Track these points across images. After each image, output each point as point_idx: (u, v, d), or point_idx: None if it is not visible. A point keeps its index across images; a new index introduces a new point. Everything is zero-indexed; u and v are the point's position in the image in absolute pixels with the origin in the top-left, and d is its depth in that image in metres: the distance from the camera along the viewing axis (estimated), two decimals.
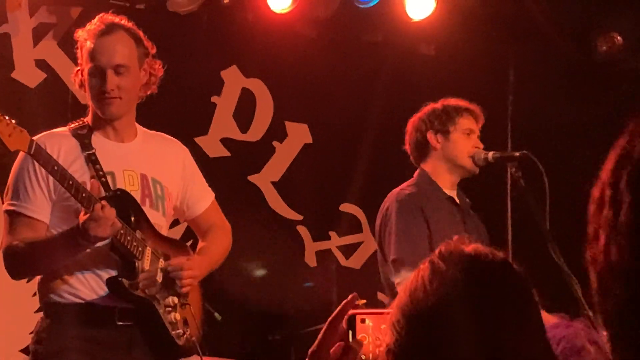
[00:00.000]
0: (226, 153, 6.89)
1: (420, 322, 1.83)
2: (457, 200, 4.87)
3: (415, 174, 4.93)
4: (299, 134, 7.14)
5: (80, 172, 3.82)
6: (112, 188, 3.87)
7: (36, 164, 3.79)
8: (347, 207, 7.26)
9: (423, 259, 4.66)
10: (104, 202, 3.62)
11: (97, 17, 4.03)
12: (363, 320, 2.09)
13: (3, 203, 4.02)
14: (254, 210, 6.94)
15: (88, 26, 4.02)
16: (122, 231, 3.74)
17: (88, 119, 4.04)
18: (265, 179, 7.04)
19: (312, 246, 7.15)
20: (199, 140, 6.75)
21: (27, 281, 5.92)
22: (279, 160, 7.08)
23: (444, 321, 1.80)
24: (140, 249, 3.81)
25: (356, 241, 7.29)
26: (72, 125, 4.03)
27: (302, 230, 7.11)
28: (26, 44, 6.23)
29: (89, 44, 3.95)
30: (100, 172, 3.87)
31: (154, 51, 4.10)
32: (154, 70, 4.07)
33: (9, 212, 3.88)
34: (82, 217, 3.61)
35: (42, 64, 6.27)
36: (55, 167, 3.61)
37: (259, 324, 6.80)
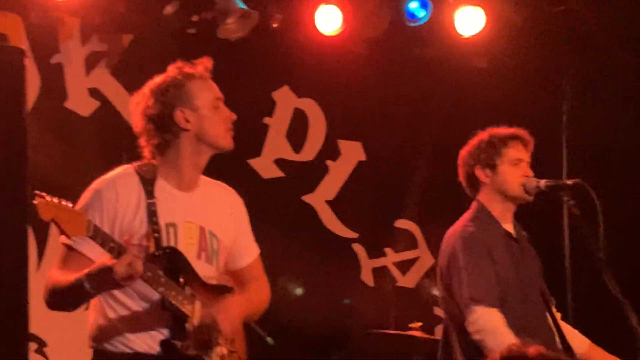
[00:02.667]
0: (280, 174, 6.89)
1: None
2: (515, 234, 4.79)
3: (473, 206, 4.84)
4: (352, 152, 7.13)
5: (138, 225, 3.87)
6: (167, 242, 3.88)
7: (103, 202, 3.86)
8: (402, 223, 7.24)
9: (495, 297, 4.57)
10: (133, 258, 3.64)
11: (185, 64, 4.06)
12: None
13: None
14: (309, 230, 6.96)
15: (187, 68, 4.04)
16: (172, 292, 3.76)
17: (155, 162, 4.03)
18: (319, 199, 7.03)
19: (369, 264, 7.14)
20: (252, 162, 6.78)
21: (86, 308, 5.99)
22: (333, 179, 7.07)
23: None
24: (190, 306, 3.83)
25: (412, 257, 7.27)
26: (139, 167, 3.99)
27: (358, 248, 7.10)
28: (79, 73, 6.28)
29: (200, 82, 4.02)
30: (156, 227, 3.88)
31: None
32: None
33: (65, 245, 3.93)
34: (110, 261, 3.63)
35: (95, 93, 6.32)
36: (112, 244, 3.64)
37: (317, 345, 6.81)
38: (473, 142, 4.85)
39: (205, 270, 3.99)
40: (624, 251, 6.06)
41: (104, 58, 6.34)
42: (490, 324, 4.49)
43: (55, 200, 3.54)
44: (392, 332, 5.92)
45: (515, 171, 4.71)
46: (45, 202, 3.51)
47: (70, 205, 3.60)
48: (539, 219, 5.00)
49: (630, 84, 7.14)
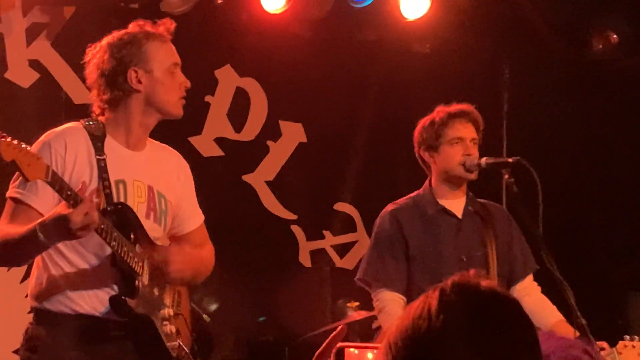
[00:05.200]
0: (220, 152, 6.87)
1: (418, 350, 1.79)
2: (457, 210, 4.82)
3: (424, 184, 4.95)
4: (293, 133, 7.11)
5: (88, 180, 3.81)
6: (117, 199, 3.83)
7: (52, 154, 3.78)
8: (341, 206, 7.24)
9: (396, 279, 4.75)
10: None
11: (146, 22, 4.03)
12: (351, 353, 2.07)
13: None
14: (248, 209, 6.94)
15: (147, 27, 3.98)
16: (124, 248, 3.71)
17: (102, 119, 3.98)
18: (259, 179, 7.02)
19: (306, 245, 7.13)
20: (192, 140, 6.73)
21: (21, 281, 5.93)
22: (273, 159, 7.05)
23: (444, 355, 1.76)
24: (140, 264, 3.78)
25: (350, 240, 7.27)
26: (87, 123, 3.93)
27: (296, 229, 7.10)
28: (19, 44, 6.20)
29: (159, 44, 3.96)
30: (106, 183, 3.82)
31: None
32: None
33: (12, 199, 3.83)
34: (65, 210, 3.54)
35: (35, 64, 6.25)
36: (69, 192, 3.55)
37: (252, 325, 6.80)
38: (420, 122, 4.89)
39: (154, 230, 3.95)
40: (561, 229, 6.14)
41: (45, 30, 6.26)
42: (388, 308, 4.63)
43: (16, 142, 3.42)
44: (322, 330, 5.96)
45: (455, 150, 4.74)
46: (7, 142, 3.38)
47: (29, 148, 3.49)
48: (479, 197, 5.03)
49: (564, 71, 7.23)
